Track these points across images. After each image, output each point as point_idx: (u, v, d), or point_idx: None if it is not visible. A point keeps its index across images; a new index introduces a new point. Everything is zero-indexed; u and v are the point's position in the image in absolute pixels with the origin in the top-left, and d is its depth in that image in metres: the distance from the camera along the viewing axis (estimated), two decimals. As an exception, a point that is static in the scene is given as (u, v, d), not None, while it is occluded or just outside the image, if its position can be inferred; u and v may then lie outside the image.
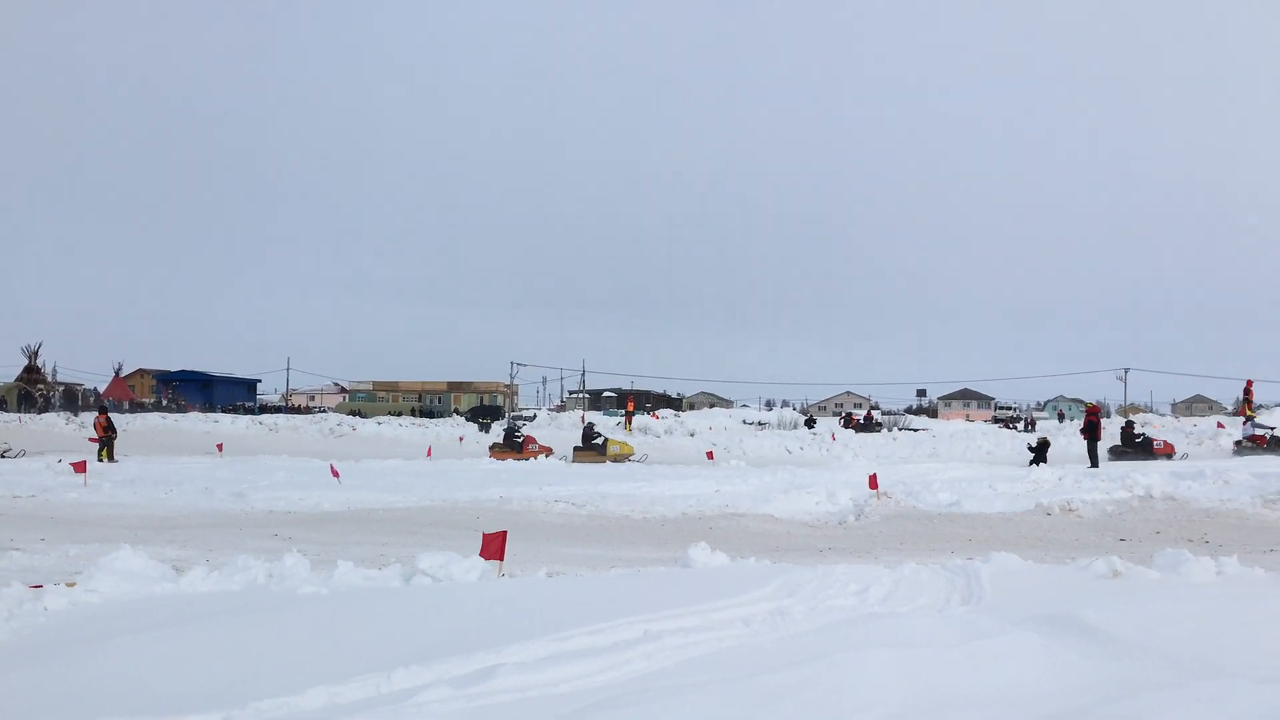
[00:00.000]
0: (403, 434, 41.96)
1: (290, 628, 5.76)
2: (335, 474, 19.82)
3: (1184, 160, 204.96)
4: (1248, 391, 44.43)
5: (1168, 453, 30.41)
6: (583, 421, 41.79)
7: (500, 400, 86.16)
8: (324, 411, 62.14)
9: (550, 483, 19.72)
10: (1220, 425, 36.96)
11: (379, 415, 63.22)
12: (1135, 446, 30.61)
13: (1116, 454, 30.15)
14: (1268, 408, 48.90)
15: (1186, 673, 4.48)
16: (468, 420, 53.10)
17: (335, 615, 6.13)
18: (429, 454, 32.61)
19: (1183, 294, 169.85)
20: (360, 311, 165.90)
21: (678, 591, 6.81)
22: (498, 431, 39.09)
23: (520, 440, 32.59)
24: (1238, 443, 32.51)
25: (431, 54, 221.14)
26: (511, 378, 78.80)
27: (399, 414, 69.64)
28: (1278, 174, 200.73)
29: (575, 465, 27.89)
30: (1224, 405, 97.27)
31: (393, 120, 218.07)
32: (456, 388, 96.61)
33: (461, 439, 39.45)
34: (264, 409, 77.16)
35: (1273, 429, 32.78)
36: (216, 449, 31.83)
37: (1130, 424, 34.34)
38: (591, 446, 31.07)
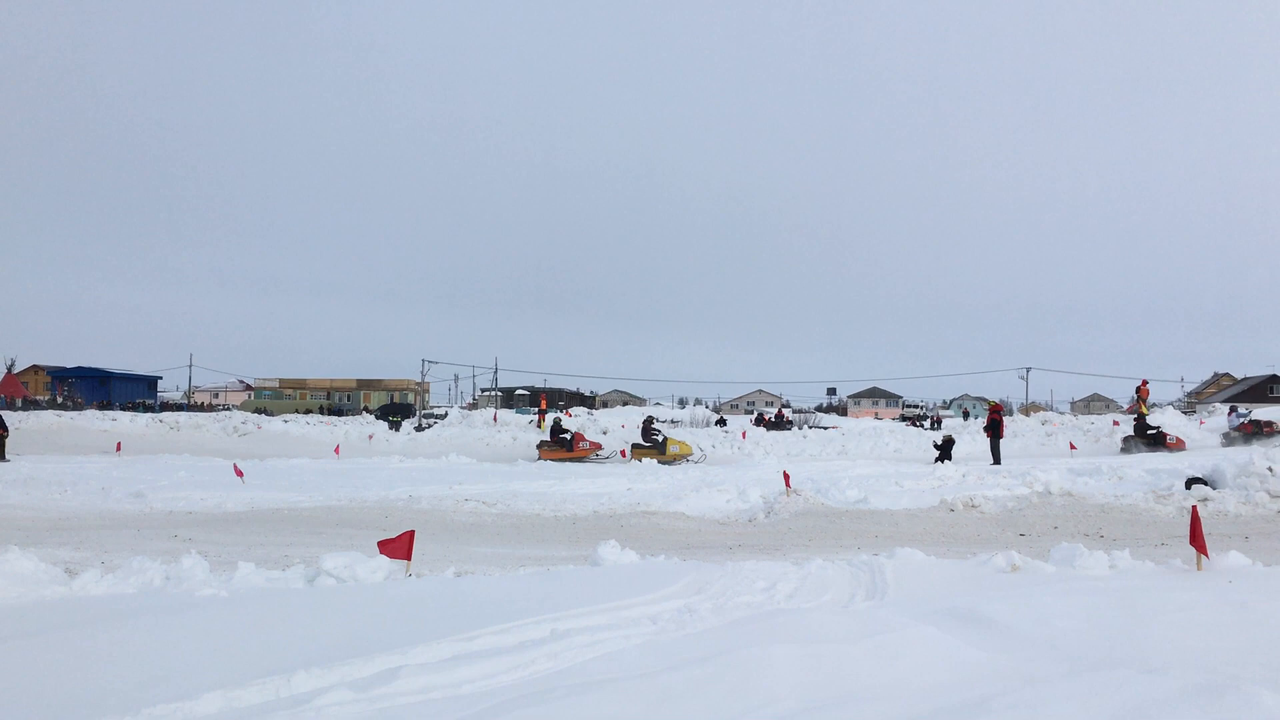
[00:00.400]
0: (310, 432, 41.15)
1: (187, 631, 5.60)
2: (239, 473, 19.39)
3: (1085, 167, 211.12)
4: (1141, 390, 45.96)
5: (1179, 447, 30.90)
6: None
7: (411, 398, 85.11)
8: (228, 409, 60.78)
9: (460, 481, 19.56)
10: (1116, 423, 38.10)
11: (286, 413, 62.15)
12: (1148, 439, 31.52)
13: (1127, 444, 31.45)
14: (1160, 406, 50.64)
15: (1079, 663, 4.61)
16: (378, 418, 52.37)
17: (234, 618, 5.99)
18: (337, 452, 32.11)
19: (1082, 297, 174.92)
20: (267, 308, 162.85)
21: (586, 590, 6.79)
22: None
23: (569, 438, 32.10)
24: (1226, 434, 34.01)
25: (345, 47, 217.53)
26: (423, 375, 77.75)
27: (307, 412, 68.52)
28: (1174, 183, 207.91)
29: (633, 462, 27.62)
30: (1119, 404, 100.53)
31: (302, 113, 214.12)
32: (366, 385, 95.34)
33: (371, 437, 38.85)
34: (165, 406, 75.38)
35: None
36: (115, 448, 30.94)
37: (1142, 417, 35.38)
38: (651, 444, 30.72)
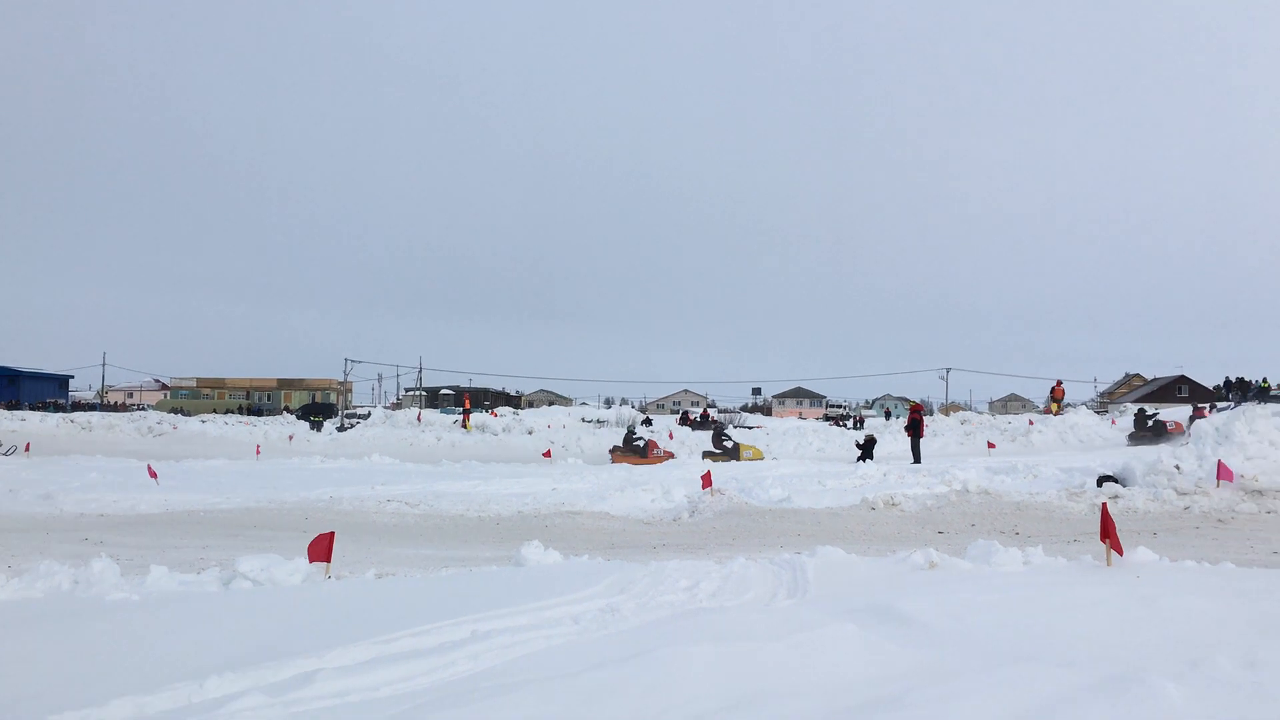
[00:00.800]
0: (229, 433, 40.44)
1: (96, 636, 5.45)
2: (153, 474, 18.95)
3: (1001, 173, 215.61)
4: (1055, 391, 47.08)
5: (1179, 431, 32.70)
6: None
7: (333, 398, 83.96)
8: (143, 409, 59.38)
9: (383, 482, 19.34)
10: (1031, 422, 38.98)
11: (203, 413, 60.94)
12: (1150, 430, 33.61)
13: (1135, 439, 33.24)
14: (1074, 406, 51.93)
15: (992, 658, 4.69)
16: (299, 418, 51.55)
17: (146, 622, 5.85)
18: (257, 453, 31.56)
19: (1000, 299, 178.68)
20: (185, 305, 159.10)
21: (508, 591, 6.76)
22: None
23: (643, 444, 31.72)
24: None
25: (259, 48, 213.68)
26: (345, 375, 76.85)
27: (226, 412, 67.22)
28: (1084, 188, 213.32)
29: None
30: (1035, 404, 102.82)
31: (220, 109, 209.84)
32: (287, 385, 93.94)
33: (291, 438, 38.30)
34: (77, 406, 73.40)
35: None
36: (23, 448, 30.04)
37: (1142, 410, 37.84)
38: (723, 449, 30.56)
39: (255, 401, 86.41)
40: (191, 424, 43.27)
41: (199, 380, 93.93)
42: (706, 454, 30.87)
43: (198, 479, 20.18)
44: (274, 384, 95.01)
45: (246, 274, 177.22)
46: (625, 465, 27.68)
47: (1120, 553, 7.96)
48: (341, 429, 42.98)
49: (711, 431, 33.45)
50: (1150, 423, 34.70)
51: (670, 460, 29.79)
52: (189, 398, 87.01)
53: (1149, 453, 18.83)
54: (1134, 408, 46.17)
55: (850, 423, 56.90)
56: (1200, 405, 41.39)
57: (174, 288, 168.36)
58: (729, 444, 31.20)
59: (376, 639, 5.13)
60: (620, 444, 32.93)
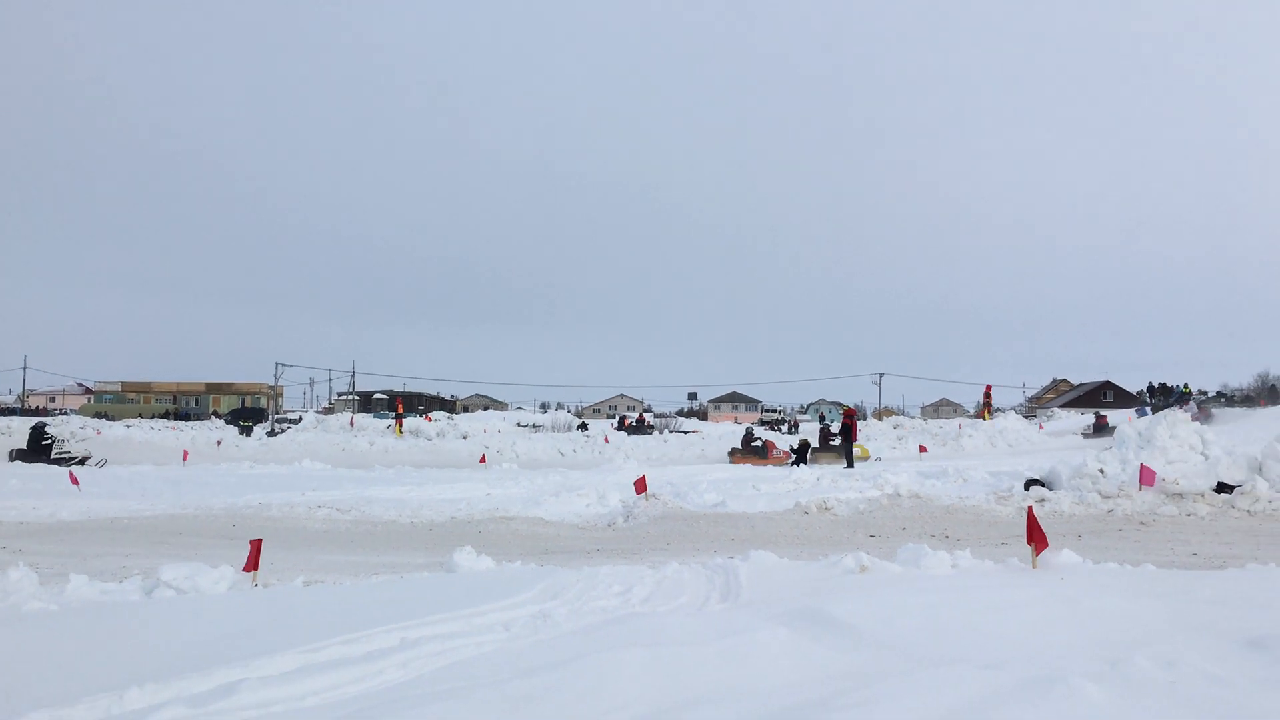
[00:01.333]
0: (155, 438, 39.65)
1: (11, 647, 5.30)
2: (74, 481, 18.52)
3: (935, 178, 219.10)
4: (987, 395, 47.94)
5: None
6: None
7: (264, 402, 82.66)
8: (66, 414, 58.01)
9: (314, 488, 19.09)
10: (960, 426, 39.65)
11: (129, 418, 59.73)
12: (1107, 433, 35.70)
13: (1092, 433, 37.34)
14: (1004, 410, 52.91)
15: (918, 660, 4.75)
16: (228, 423, 50.72)
17: (65, 632, 5.70)
18: (184, 459, 30.96)
19: (932, 305, 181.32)
20: (110, 307, 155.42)
21: (440, 597, 6.71)
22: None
23: (762, 445, 31.51)
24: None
25: (172, 45, 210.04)
26: (276, 379, 75.54)
27: (152, 416, 65.94)
28: (1014, 195, 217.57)
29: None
30: (966, 408, 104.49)
31: (144, 105, 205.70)
32: (216, 389, 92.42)
33: (220, 443, 37.63)
34: (-4, 411, 71.39)
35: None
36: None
37: (1097, 414, 42.08)
38: (829, 449, 30.58)
39: (183, 406, 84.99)
40: (116, 429, 42.38)
41: (124, 384, 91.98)
42: (733, 453, 31.15)
43: (121, 485, 19.75)
44: (202, 388, 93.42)
45: (174, 274, 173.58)
46: (745, 466, 28.08)
47: (1043, 553, 8.12)
48: (272, 434, 42.38)
49: (743, 434, 34.28)
50: (1106, 423, 37.84)
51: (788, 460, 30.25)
52: (114, 402, 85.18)
53: (1075, 457, 19.22)
54: (1062, 412, 47.34)
55: (785, 427, 57.42)
56: (1101, 414, 43.11)
57: (99, 288, 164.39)
58: (758, 444, 31.62)
59: (304, 648, 5.05)
60: (739, 445, 33.43)
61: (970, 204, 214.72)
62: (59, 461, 28.41)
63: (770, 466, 27.83)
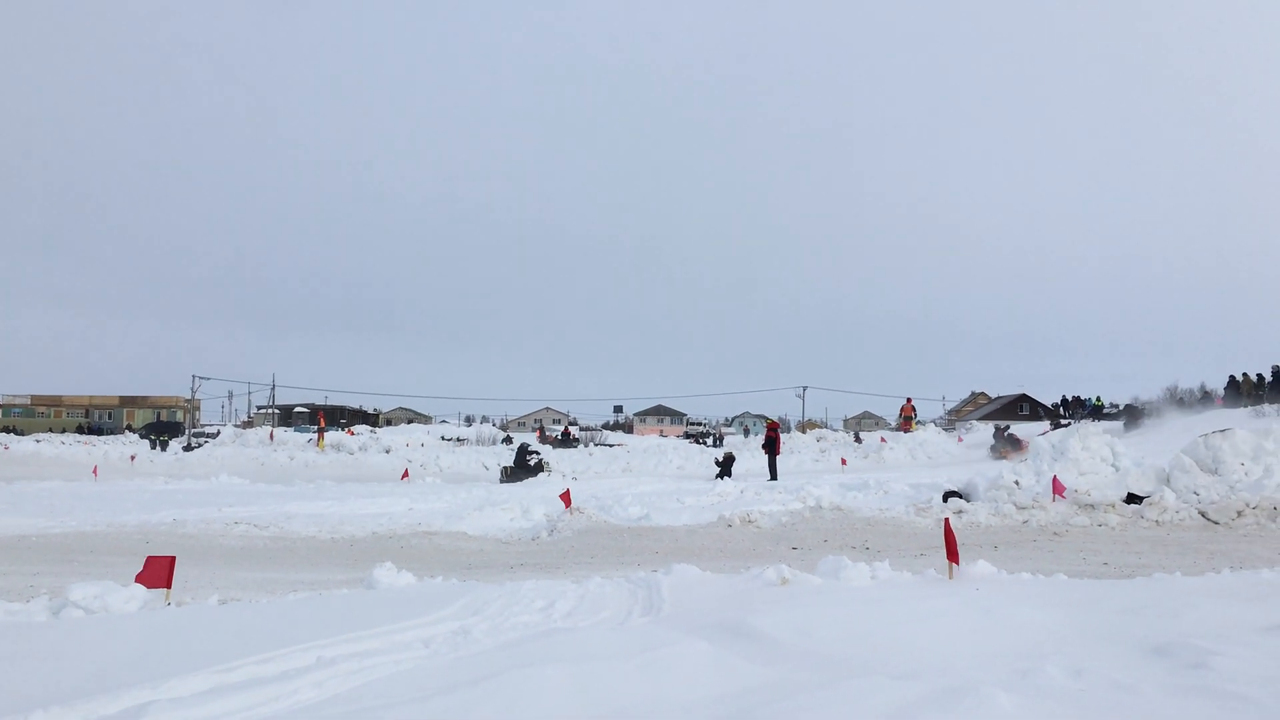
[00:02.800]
0: (65, 453, 38.54)
1: (-93, 673, 5.10)
2: (-20, 498, 17.90)
3: (852, 191, 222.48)
4: (907, 408, 48.71)
5: (1026, 449, 36.10)
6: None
7: (180, 416, 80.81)
8: (-29, 428, 56.15)
9: (231, 503, 18.71)
10: (883, 439, 40.20)
11: (38, 432, 58.01)
12: (1009, 441, 37.67)
13: (995, 451, 37.18)
14: (923, 423, 53.82)
15: (836, 671, 4.81)
16: (142, 437, 49.45)
17: (-35, 655, 5.50)
18: (95, 474, 30.13)
19: (854, 318, 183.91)
20: (18, 317, 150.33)
21: (358, 614, 6.61)
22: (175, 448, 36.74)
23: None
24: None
25: (102, 49, 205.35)
26: (193, 392, 73.87)
27: (63, 431, 64.11)
28: (936, 208, 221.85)
29: None
30: (889, 421, 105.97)
31: (58, 112, 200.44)
32: (130, 402, 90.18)
33: (134, 458, 36.68)
34: (-102, 425, 68.83)
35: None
36: None
37: (998, 426, 42.81)
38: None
39: (95, 420, 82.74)
40: (25, 444, 41.15)
41: (34, 397, 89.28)
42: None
43: (29, 502, 19.18)
44: (116, 401, 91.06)
45: (87, 284, 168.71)
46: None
47: (959, 565, 8.28)
48: (188, 449, 41.44)
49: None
50: (1006, 437, 38.47)
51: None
52: (22, 415, 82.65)
53: (991, 469, 19.62)
54: (981, 425, 48.34)
55: (710, 440, 57.70)
56: (1001, 425, 44.10)
57: (8, 297, 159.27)
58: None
59: (216, 668, 4.94)
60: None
61: (889, 217, 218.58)
62: None
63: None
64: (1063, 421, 46.67)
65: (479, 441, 50.66)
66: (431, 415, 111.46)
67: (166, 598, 7.96)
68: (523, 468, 31.18)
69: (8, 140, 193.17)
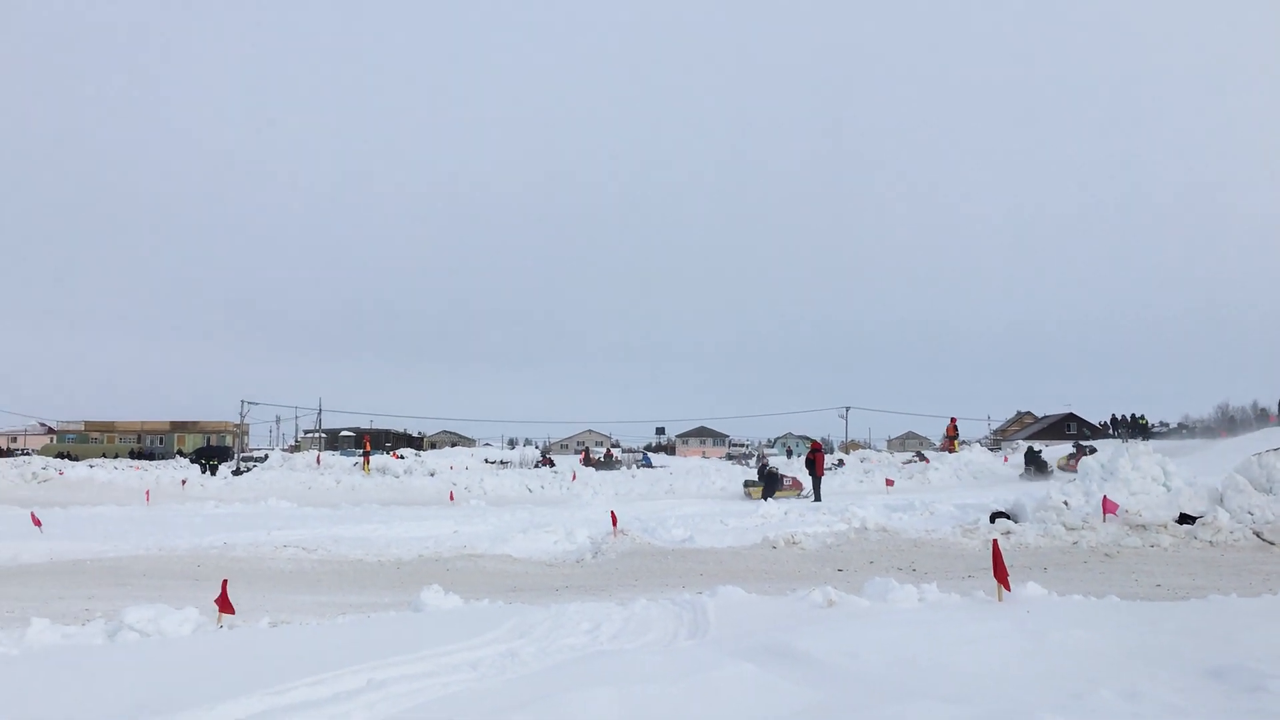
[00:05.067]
0: (118, 478, 39.03)
1: (-30, 695, 5.22)
2: (36, 522, 18.21)
3: (898, 212, 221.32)
4: (952, 428, 48.31)
5: (1071, 470, 35.54)
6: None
7: (229, 440, 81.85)
8: (27, 454, 57.21)
9: (279, 527, 18.90)
10: (926, 459, 39.89)
11: (92, 458, 58.96)
12: (1038, 464, 37.20)
13: (1025, 473, 36.62)
14: (969, 443, 53.30)
15: (884, 695, 4.78)
16: (192, 462, 50.12)
17: (26, 678, 5.63)
18: (147, 499, 30.57)
19: (898, 338, 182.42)
20: (72, 344, 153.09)
21: (407, 637, 6.67)
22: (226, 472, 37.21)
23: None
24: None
25: (150, 74, 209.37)
26: (242, 417, 74.87)
27: (115, 456, 65.12)
28: (979, 229, 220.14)
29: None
30: (933, 441, 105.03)
31: (109, 136, 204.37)
32: (180, 427, 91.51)
33: (185, 482, 37.12)
34: (-44, 452, 70.26)
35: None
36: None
37: (1030, 448, 41.45)
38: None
39: (147, 445, 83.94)
40: (79, 469, 41.73)
41: (87, 423, 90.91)
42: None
43: (84, 527, 19.48)
44: (166, 427, 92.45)
45: (139, 312, 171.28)
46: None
47: (1008, 588, 8.19)
48: (237, 473, 41.91)
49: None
50: (1034, 458, 37.68)
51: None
52: (76, 442, 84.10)
53: (1039, 489, 19.38)
54: (1025, 445, 47.80)
55: (753, 461, 57.55)
56: (1035, 448, 43.53)
57: (61, 325, 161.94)
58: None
59: (269, 690, 5.01)
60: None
61: (936, 239, 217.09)
62: None
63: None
64: (1083, 444, 46.23)
65: (522, 464, 50.87)
66: (475, 439, 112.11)
67: (218, 620, 8.08)
68: (772, 479, 31.34)
69: (67, 172, 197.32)
